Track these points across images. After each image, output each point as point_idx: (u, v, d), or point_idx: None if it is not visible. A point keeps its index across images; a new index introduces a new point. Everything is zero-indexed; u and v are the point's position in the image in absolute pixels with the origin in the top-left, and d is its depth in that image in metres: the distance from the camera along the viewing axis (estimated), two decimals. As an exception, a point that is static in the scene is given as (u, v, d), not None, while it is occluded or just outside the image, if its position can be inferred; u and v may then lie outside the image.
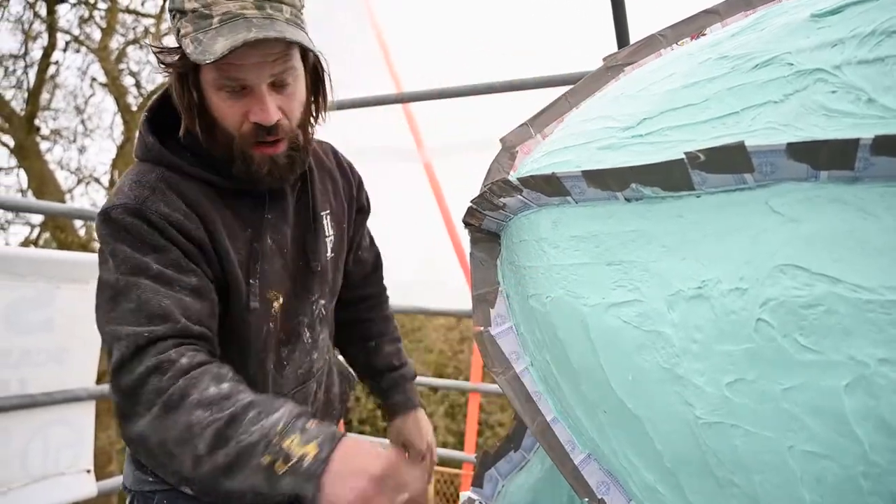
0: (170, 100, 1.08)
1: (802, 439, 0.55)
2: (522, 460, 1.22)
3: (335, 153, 1.37)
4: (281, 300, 1.13)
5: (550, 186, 0.72)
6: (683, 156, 0.60)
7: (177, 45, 0.98)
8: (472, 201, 0.86)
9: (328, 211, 1.26)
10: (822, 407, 0.54)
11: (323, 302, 1.24)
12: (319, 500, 0.77)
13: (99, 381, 2.40)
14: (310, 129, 1.12)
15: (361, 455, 0.78)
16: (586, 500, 0.81)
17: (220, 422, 0.80)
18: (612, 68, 0.96)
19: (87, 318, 2.31)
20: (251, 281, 1.08)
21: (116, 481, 2.63)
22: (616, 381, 0.69)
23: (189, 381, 0.85)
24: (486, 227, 0.90)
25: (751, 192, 0.60)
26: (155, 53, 1.03)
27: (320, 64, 1.10)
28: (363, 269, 1.48)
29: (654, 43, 0.94)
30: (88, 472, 2.35)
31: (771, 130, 0.61)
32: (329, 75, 1.12)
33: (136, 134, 1.08)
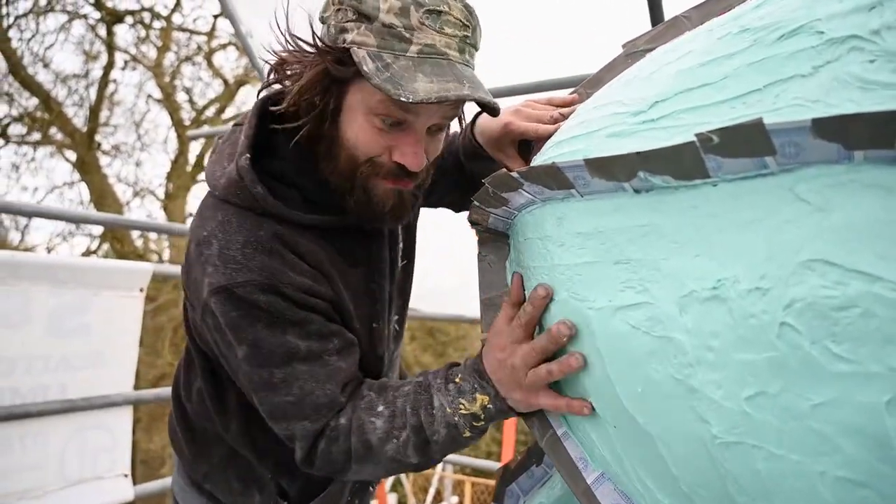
0: (256, 133, 0.95)
1: (836, 464, 0.47)
2: (544, 476, 1.15)
3: None
4: (375, 325, 1.07)
5: (553, 179, 0.66)
6: (695, 138, 0.53)
7: (333, 43, 0.83)
8: (473, 198, 0.80)
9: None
10: (859, 426, 0.46)
11: (397, 317, 1.16)
12: (523, 409, 0.84)
13: (156, 383, 2.43)
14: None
15: (502, 358, 0.82)
16: (601, 524, 0.74)
17: (410, 442, 0.88)
18: (631, 55, 0.89)
19: (124, 325, 2.36)
20: (373, 325, 1.05)
21: (150, 486, 2.67)
22: (625, 394, 0.62)
23: (359, 432, 0.90)
24: (492, 225, 0.84)
25: (773, 178, 0.53)
26: (292, 49, 0.87)
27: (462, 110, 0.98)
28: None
29: (678, 25, 0.87)
30: (126, 476, 2.38)
31: (798, 107, 0.53)
32: (463, 117, 1.00)
33: (226, 173, 0.93)
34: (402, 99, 0.74)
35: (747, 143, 0.51)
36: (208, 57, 10.13)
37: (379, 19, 0.78)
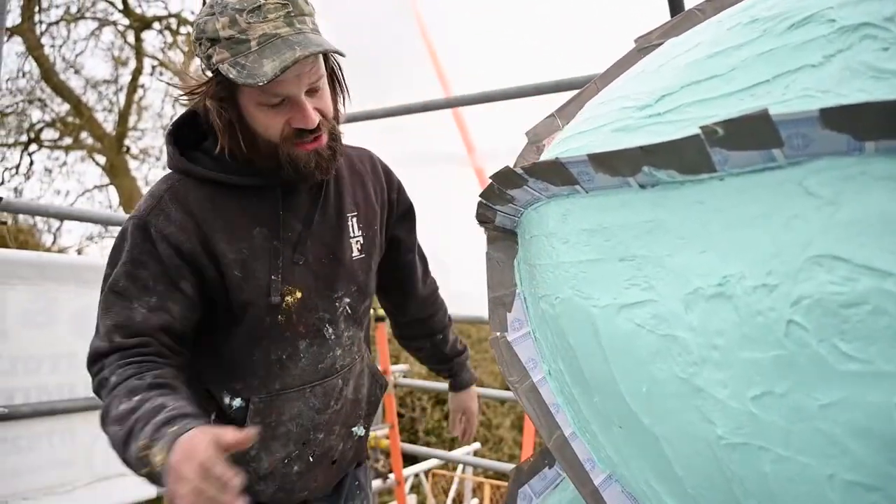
0: (192, 117, 1.17)
1: (845, 467, 0.46)
2: (557, 477, 1.13)
3: (371, 158, 1.40)
4: (299, 295, 1.18)
5: (557, 174, 0.65)
6: (699, 131, 0.52)
7: (210, 72, 1.05)
8: (480, 195, 0.79)
9: (355, 213, 1.28)
10: (869, 428, 0.44)
11: (348, 300, 1.26)
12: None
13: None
14: (339, 121, 1.18)
15: (188, 449, 0.84)
16: (609, 526, 0.72)
17: (121, 436, 0.94)
18: (644, 49, 0.88)
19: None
20: (273, 277, 1.15)
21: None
22: (630, 394, 0.60)
23: (111, 399, 0.99)
24: (500, 223, 0.83)
25: (781, 171, 0.51)
26: (182, 88, 1.10)
27: (335, 60, 1.17)
28: (413, 272, 1.50)
29: (691, 18, 0.85)
30: (149, 474, 2.41)
31: (807, 98, 0.51)
32: (341, 69, 1.20)
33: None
34: (259, 83, 0.96)
35: (753, 135, 0.49)
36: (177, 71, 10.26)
37: (221, 37, 0.99)
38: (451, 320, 1.64)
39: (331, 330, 1.23)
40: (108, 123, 10.13)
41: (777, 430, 0.49)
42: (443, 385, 3.63)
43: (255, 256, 1.14)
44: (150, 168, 10.69)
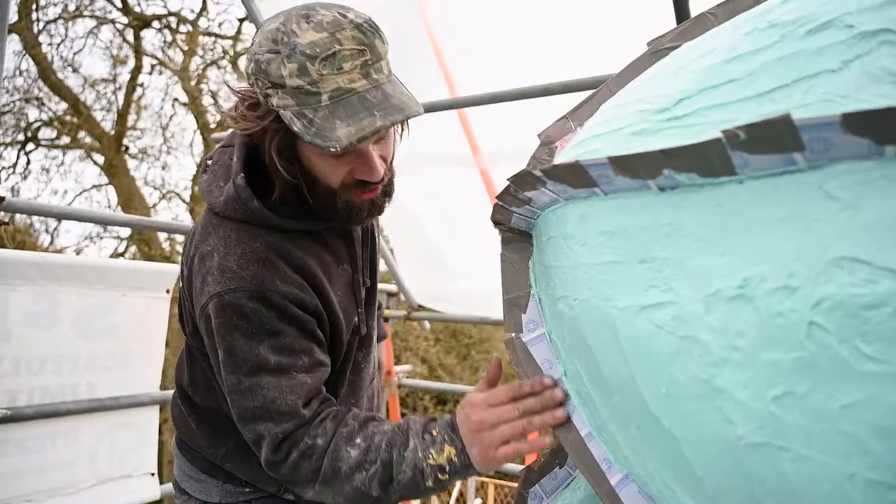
0: (252, 154, 1.07)
1: (866, 466, 0.46)
2: (568, 477, 1.14)
3: None
4: (363, 329, 1.21)
5: (576, 177, 0.66)
6: (721, 135, 0.52)
7: (266, 110, 0.94)
8: (497, 197, 0.80)
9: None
10: (891, 428, 0.45)
11: (372, 322, 1.29)
12: (483, 469, 0.94)
13: (164, 387, 2.47)
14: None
15: (473, 420, 0.91)
16: (625, 525, 0.73)
17: (377, 475, 0.94)
18: (656, 53, 0.89)
19: (150, 326, 2.40)
20: (360, 310, 1.17)
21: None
22: (649, 394, 0.61)
23: (332, 457, 0.97)
24: (515, 225, 0.84)
25: (801, 174, 0.52)
26: (237, 118, 1.00)
27: None
28: None
29: (703, 23, 0.86)
30: (153, 475, 2.42)
31: (827, 103, 0.52)
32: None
33: (225, 192, 1.05)
34: (332, 150, 0.86)
35: (775, 138, 0.50)
36: (234, 60, 10.26)
37: (287, 85, 0.87)
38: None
39: (369, 353, 1.27)
40: (107, 122, 10.11)
41: (798, 430, 0.49)
42: (444, 385, 3.63)
43: (346, 294, 1.14)
44: (150, 168, 10.68)
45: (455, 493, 4.62)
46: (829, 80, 0.53)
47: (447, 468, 0.92)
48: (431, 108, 2.54)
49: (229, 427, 1.15)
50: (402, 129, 1.10)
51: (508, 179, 0.74)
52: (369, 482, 0.94)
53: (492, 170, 2.86)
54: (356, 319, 1.18)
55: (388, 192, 1.08)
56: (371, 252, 1.27)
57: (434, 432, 0.95)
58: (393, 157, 1.08)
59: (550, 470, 1.15)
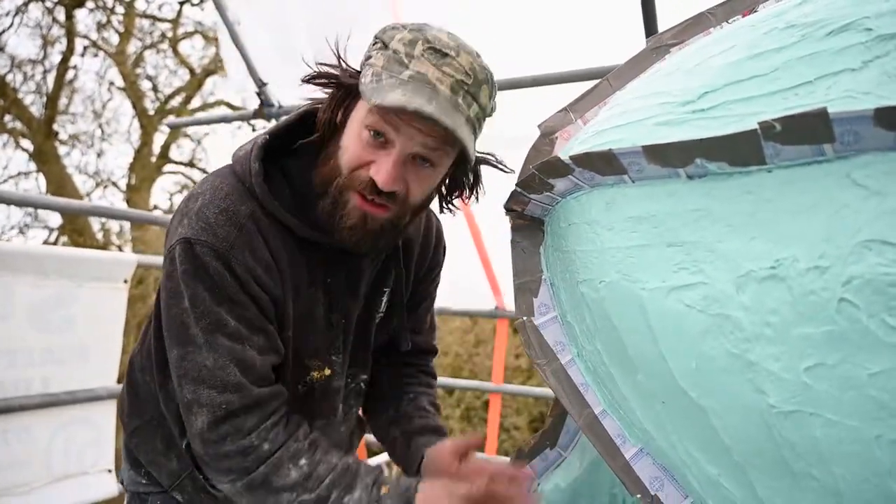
0: (287, 129, 1.03)
1: (892, 428, 0.51)
2: (559, 458, 1.18)
3: (438, 231, 1.29)
4: (327, 372, 1.11)
5: (606, 164, 0.69)
6: (756, 126, 0.56)
7: (359, 68, 0.95)
8: (517, 184, 0.82)
9: (389, 289, 1.20)
10: (916, 393, 0.50)
11: (364, 377, 1.23)
12: None
13: (120, 380, 2.39)
14: (420, 215, 1.07)
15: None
16: (638, 496, 0.77)
17: (308, 501, 0.91)
18: (657, 49, 0.93)
19: (109, 318, 2.31)
20: (307, 361, 1.08)
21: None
22: (678, 370, 0.65)
23: (271, 467, 0.93)
24: (529, 212, 0.87)
25: (829, 164, 0.56)
26: (332, 67, 0.97)
27: (473, 171, 1.04)
28: (417, 347, 1.34)
29: (702, 21, 0.90)
30: (109, 471, 2.34)
31: (849, 99, 0.57)
32: (480, 184, 1.07)
33: (244, 146, 1.01)
34: (373, 101, 0.84)
35: (809, 130, 0.54)
36: (174, 45, 9.89)
37: (390, 47, 0.89)
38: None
39: (342, 408, 1.19)
40: (36, 107, 9.57)
41: (828, 398, 0.54)
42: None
43: (310, 320, 1.05)
44: (83, 154, 10.18)
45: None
46: (850, 78, 0.58)
47: None
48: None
49: (149, 403, 1.13)
50: (448, 195, 1.06)
51: (534, 167, 0.77)
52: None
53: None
54: (312, 353, 1.08)
55: (385, 230, 0.96)
56: (365, 308, 1.16)
57: (383, 490, 0.91)
58: (424, 205, 1.01)
59: (541, 451, 1.19)
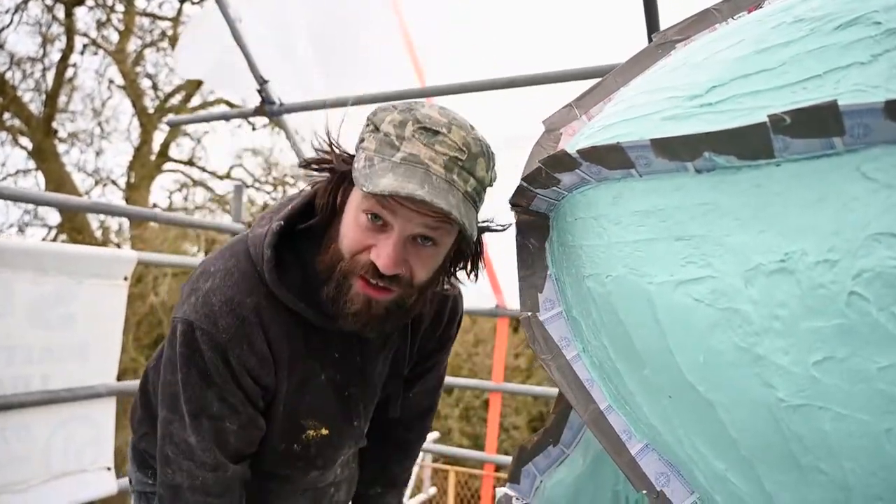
0: (300, 212, 1.04)
1: (902, 421, 0.51)
2: (562, 455, 1.18)
3: (454, 309, 1.29)
4: (325, 431, 1.15)
5: (614, 158, 0.68)
6: (766, 119, 0.56)
7: (353, 152, 0.96)
8: (523, 179, 0.82)
9: (397, 363, 1.24)
10: (926, 386, 0.50)
11: (364, 439, 1.27)
12: None
13: (119, 378, 2.38)
14: (429, 294, 1.06)
15: None
16: (644, 492, 0.77)
17: None
18: (662, 45, 0.93)
19: (108, 315, 2.31)
20: (303, 421, 1.12)
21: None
22: (685, 364, 0.65)
23: None
24: (535, 207, 0.87)
25: (839, 157, 0.56)
26: (323, 151, 1.00)
27: (475, 243, 1.04)
28: (409, 410, 1.38)
29: (708, 18, 0.90)
30: (109, 469, 2.33)
31: (859, 93, 0.57)
32: (481, 255, 1.08)
33: (264, 228, 1.03)
34: (363, 188, 0.84)
35: (819, 123, 0.54)
36: (174, 43, 9.87)
37: (381, 129, 0.89)
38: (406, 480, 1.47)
39: (343, 459, 1.25)
40: (35, 104, 9.56)
41: (837, 392, 0.54)
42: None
43: (308, 390, 1.10)
44: (82, 153, 10.17)
45: (413, 480, 4.66)
46: (859, 71, 0.58)
47: None
48: (400, 96, 2.54)
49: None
50: (452, 271, 1.06)
51: (540, 161, 0.76)
52: None
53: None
54: (313, 422, 1.13)
55: (391, 312, 0.97)
56: (371, 385, 1.20)
57: None
58: (431, 284, 1.00)
59: (544, 448, 1.19)
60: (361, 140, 0.93)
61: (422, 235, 0.91)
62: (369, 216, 0.90)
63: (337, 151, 0.98)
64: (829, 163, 0.57)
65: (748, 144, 0.59)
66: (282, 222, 1.01)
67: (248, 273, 1.01)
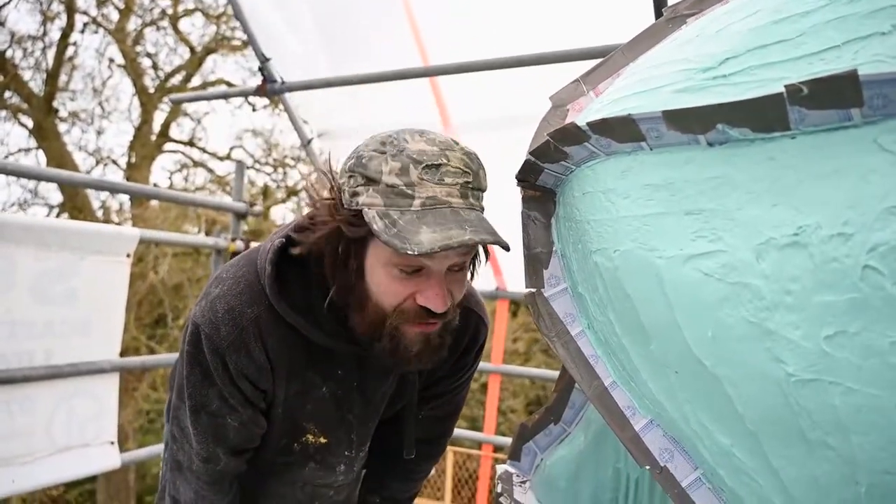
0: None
1: (914, 397, 0.51)
2: (563, 433, 1.18)
3: (476, 332, 1.27)
4: (323, 440, 1.18)
5: (624, 131, 0.67)
6: (783, 90, 0.55)
7: (350, 207, 0.90)
8: (529, 153, 0.81)
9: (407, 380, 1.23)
10: (939, 360, 0.49)
11: (365, 449, 1.28)
12: None
13: (122, 353, 2.39)
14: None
15: None
16: (647, 468, 0.77)
17: None
18: (673, 20, 0.91)
19: (111, 292, 2.31)
20: (304, 424, 1.16)
21: (136, 454, 2.64)
22: (693, 339, 0.64)
23: None
24: (542, 182, 0.86)
25: (856, 129, 0.55)
26: (317, 205, 0.97)
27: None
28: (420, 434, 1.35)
29: (720, -9, 0.89)
30: (112, 443, 2.35)
31: (878, 63, 0.55)
32: (486, 256, 1.08)
33: (270, 244, 1.04)
34: (409, 252, 0.80)
35: (838, 94, 0.53)
36: (174, 22, 9.79)
37: (382, 181, 0.86)
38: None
39: (343, 468, 1.25)
40: (36, 83, 9.50)
41: (848, 366, 0.54)
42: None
43: (307, 399, 1.12)
44: (83, 132, 10.12)
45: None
46: (879, 42, 0.56)
47: None
48: (402, 75, 2.52)
49: None
50: (472, 274, 1.06)
51: (549, 134, 0.75)
52: None
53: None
54: (313, 427, 1.16)
55: (444, 338, 0.98)
56: (375, 405, 1.20)
57: None
58: (462, 302, 1.01)
59: (545, 426, 1.19)
60: (355, 195, 0.89)
61: (454, 266, 0.94)
62: (400, 268, 0.90)
63: (338, 216, 0.93)
64: (846, 135, 0.56)
65: (763, 116, 0.58)
66: (283, 240, 1.02)
67: (253, 284, 1.04)
